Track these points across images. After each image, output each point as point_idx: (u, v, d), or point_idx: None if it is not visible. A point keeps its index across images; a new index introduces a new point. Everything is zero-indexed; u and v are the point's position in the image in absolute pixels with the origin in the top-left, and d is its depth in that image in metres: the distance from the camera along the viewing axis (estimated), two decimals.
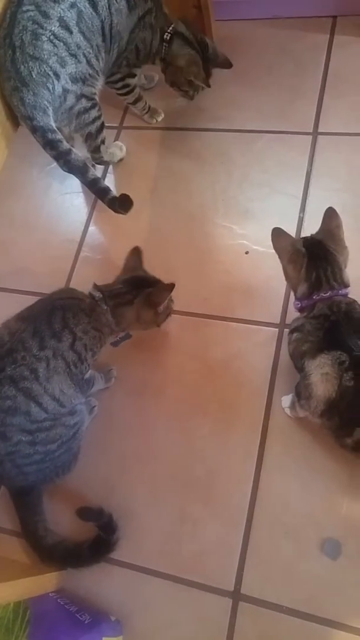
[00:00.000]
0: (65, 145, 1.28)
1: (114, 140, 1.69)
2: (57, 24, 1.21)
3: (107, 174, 1.67)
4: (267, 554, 1.11)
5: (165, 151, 1.65)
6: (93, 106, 1.38)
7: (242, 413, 1.25)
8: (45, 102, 1.23)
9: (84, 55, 1.28)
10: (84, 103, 1.34)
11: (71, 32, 1.23)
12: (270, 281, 1.35)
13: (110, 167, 1.66)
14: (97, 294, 1.14)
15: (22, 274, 1.56)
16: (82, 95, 1.32)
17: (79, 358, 1.09)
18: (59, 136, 1.27)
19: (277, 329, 1.32)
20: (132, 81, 1.53)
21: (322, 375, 0.98)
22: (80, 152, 1.43)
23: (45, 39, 1.20)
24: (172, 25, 1.40)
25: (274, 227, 1.09)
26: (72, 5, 1.23)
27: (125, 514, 1.17)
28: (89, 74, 1.32)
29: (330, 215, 1.10)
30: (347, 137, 1.52)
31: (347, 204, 1.41)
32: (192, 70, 1.43)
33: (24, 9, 1.20)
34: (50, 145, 1.26)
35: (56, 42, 1.21)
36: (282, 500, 1.14)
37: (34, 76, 1.20)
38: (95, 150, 1.51)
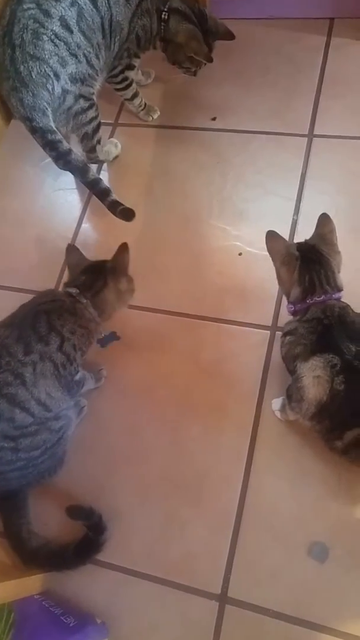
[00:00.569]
0: (65, 145, 1.26)
1: (109, 137, 1.66)
2: (58, 23, 1.18)
3: (102, 172, 1.64)
4: (254, 556, 1.09)
5: (160, 149, 1.63)
6: (90, 106, 1.36)
7: (232, 415, 1.23)
8: (45, 103, 1.21)
9: (84, 55, 1.25)
10: (82, 103, 1.32)
11: (72, 32, 1.21)
12: (263, 283, 1.33)
13: (105, 164, 1.63)
14: (74, 290, 1.13)
15: (14, 271, 1.52)
16: (81, 96, 1.30)
17: (68, 359, 1.07)
18: (59, 137, 1.24)
19: (269, 332, 1.30)
20: (130, 74, 1.50)
21: (314, 378, 0.97)
22: (75, 150, 1.41)
23: (47, 38, 1.17)
24: (168, 3, 1.34)
25: (268, 230, 1.07)
26: (73, 4, 1.20)
27: (113, 515, 1.15)
28: (89, 74, 1.30)
29: (324, 221, 1.09)
30: (343, 140, 1.51)
31: (341, 207, 1.40)
32: (192, 46, 1.37)
33: (25, 6, 1.17)
34: (50, 146, 1.24)
35: (57, 41, 1.19)
36: (270, 503, 1.13)
37: (34, 76, 1.18)
38: (91, 150, 1.49)
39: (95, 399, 1.29)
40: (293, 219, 1.43)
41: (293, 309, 1.08)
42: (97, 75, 1.34)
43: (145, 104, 1.64)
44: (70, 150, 1.25)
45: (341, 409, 0.96)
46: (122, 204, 1.26)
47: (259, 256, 1.38)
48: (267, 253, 1.08)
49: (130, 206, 1.52)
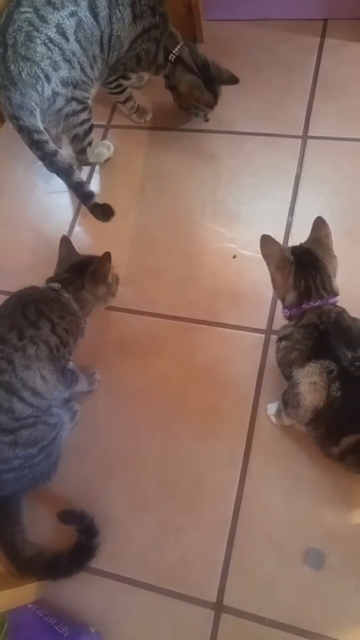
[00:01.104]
0: (52, 146, 1.24)
1: (102, 139, 1.63)
2: (54, 30, 1.18)
3: (94, 174, 1.60)
4: (250, 564, 1.07)
5: (152, 151, 1.60)
6: (83, 109, 1.34)
7: (227, 420, 1.20)
8: (33, 103, 1.20)
9: (79, 63, 1.25)
10: (74, 106, 1.31)
11: (68, 40, 1.20)
12: (257, 286, 1.30)
13: (97, 166, 1.60)
14: (56, 285, 1.16)
15: (5, 274, 1.48)
16: (73, 99, 1.29)
17: (61, 342, 1.09)
18: (46, 137, 1.23)
19: (263, 335, 1.28)
20: (125, 82, 1.49)
21: (310, 384, 0.95)
22: (66, 151, 1.38)
23: (40, 41, 1.16)
24: (179, 46, 1.38)
25: (263, 235, 1.05)
26: (73, 14, 1.19)
27: (107, 521, 1.12)
28: (82, 80, 1.28)
29: (319, 224, 1.07)
30: (337, 141, 1.48)
31: (336, 208, 1.38)
32: (194, 95, 1.42)
33: (22, 9, 1.16)
34: (36, 145, 1.22)
35: (51, 46, 1.18)
36: (266, 510, 1.10)
37: (24, 76, 1.17)
38: (81, 152, 1.46)
39: (89, 404, 1.26)
40: (287, 220, 1.40)
41: (288, 313, 1.05)
42: (92, 83, 1.34)
43: (138, 106, 1.62)
44: (56, 152, 1.23)
45: (338, 415, 0.94)
46: (101, 205, 1.27)
47: (253, 259, 1.36)
48: (261, 256, 1.06)
49: (123, 209, 1.50)
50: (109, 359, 1.31)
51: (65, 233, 1.52)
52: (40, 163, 1.30)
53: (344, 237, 1.31)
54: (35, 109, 1.21)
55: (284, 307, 1.06)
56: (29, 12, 1.16)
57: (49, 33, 1.17)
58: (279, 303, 1.29)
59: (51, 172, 1.28)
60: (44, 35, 1.17)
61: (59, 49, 1.19)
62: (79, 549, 1.09)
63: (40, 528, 1.14)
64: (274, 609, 1.02)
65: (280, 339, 1.05)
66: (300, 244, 1.07)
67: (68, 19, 1.19)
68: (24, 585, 1.08)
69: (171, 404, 1.24)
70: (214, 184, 1.50)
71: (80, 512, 1.10)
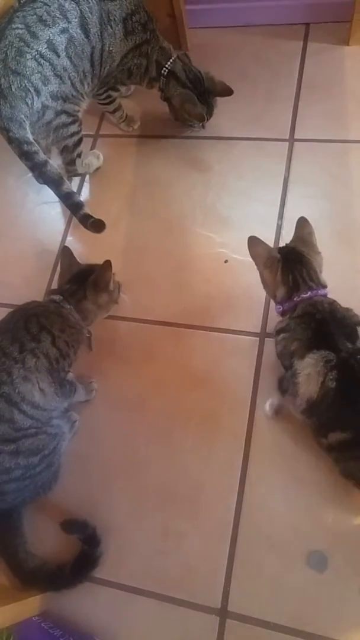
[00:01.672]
0: (41, 157, 1.24)
1: (91, 149, 1.61)
2: (45, 46, 1.19)
3: (85, 183, 1.58)
4: (253, 568, 1.05)
5: (142, 159, 1.58)
6: (73, 122, 1.34)
7: (225, 424, 1.18)
8: (22, 116, 1.20)
9: (69, 78, 1.26)
10: (63, 118, 1.31)
11: (58, 56, 1.21)
12: (250, 290, 1.28)
13: (87, 175, 1.58)
14: (57, 297, 1.15)
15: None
16: (63, 111, 1.29)
17: (61, 354, 1.08)
18: (35, 148, 1.23)
19: (257, 338, 1.26)
20: (114, 94, 1.49)
21: (309, 375, 0.94)
22: (55, 162, 1.36)
23: (30, 57, 1.18)
24: (171, 60, 1.38)
25: (250, 236, 1.06)
26: (64, 31, 1.20)
27: (109, 530, 1.10)
28: (72, 95, 1.29)
29: (302, 224, 1.09)
30: (324, 143, 1.47)
31: (324, 210, 1.37)
32: (186, 108, 1.42)
33: (14, 26, 1.18)
34: (25, 156, 1.23)
35: (42, 61, 1.19)
36: (267, 513, 1.08)
37: (14, 90, 1.17)
38: (70, 163, 1.45)
39: (87, 413, 1.24)
40: (277, 224, 1.39)
41: (281, 309, 1.06)
42: (83, 97, 1.34)
43: (127, 115, 1.60)
44: (46, 162, 1.23)
45: (328, 408, 0.93)
46: (92, 217, 1.26)
47: (244, 263, 1.33)
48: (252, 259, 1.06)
49: (114, 217, 1.48)
50: (105, 368, 1.29)
51: (58, 243, 1.51)
52: (31, 174, 1.29)
53: (334, 238, 1.30)
54: (24, 121, 1.21)
55: (277, 303, 1.07)
56: (21, 29, 1.18)
57: (40, 48, 1.18)
58: (272, 306, 1.28)
59: (41, 183, 1.28)
60: (34, 50, 1.18)
61: (50, 64, 1.21)
62: (82, 558, 1.07)
63: (43, 539, 1.12)
64: (278, 612, 1.00)
65: (277, 332, 1.05)
66: (286, 243, 1.09)
67: (59, 35, 1.20)
68: (28, 598, 1.05)
69: (169, 410, 1.22)
70: (204, 189, 1.49)
71: (83, 521, 1.09)
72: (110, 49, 1.30)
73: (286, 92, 1.57)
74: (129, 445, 1.20)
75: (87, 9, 1.23)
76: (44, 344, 1.05)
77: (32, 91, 1.20)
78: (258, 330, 1.27)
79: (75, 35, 1.22)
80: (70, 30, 1.21)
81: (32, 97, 1.20)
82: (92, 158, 1.56)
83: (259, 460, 1.13)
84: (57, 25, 1.19)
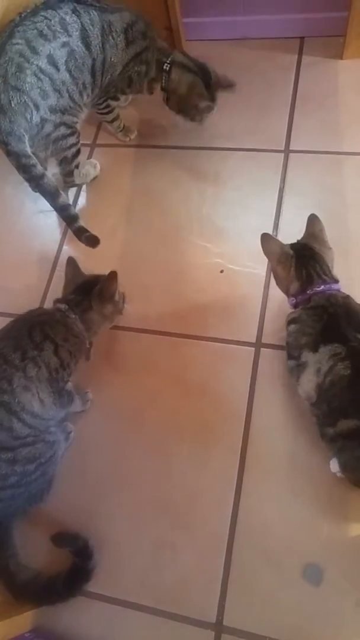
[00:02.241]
0: (39, 169, 1.24)
1: (88, 158, 1.59)
2: (45, 60, 1.18)
3: (82, 192, 1.57)
4: (248, 581, 1.02)
5: (138, 169, 1.56)
6: (72, 134, 1.33)
7: (220, 435, 1.16)
8: (22, 130, 1.20)
9: (67, 91, 1.24)
10: (62, 130, 1.30)
11: (58, 70, 1.20)
12: (246, 300, 1.27)
13: (84, 185, 1.56)
14: (63, 306, 1.13)
15: None
16: (62, 123, 1.28)
17: (62, 364, 1.06)
18: (33, 161, 1.23)
19: (253, 348, 1.24)
20: (114, 103, 1.48)
21: (317, 370, 0.94)
22: (53, 170, 1.34)
23: (30, 72, 1.16)
24: (171, 56, 1.35)
25: (263, 233, 1.07)
26: (64, 45, 1.19)
27: (103, 543, 1.07)
28: (70, 106, 1.28)
29: (313, 220, 1.10)
30: (318, 155, 1.46)
31: None
32: (196, 93, 1.35)
33: (14, 41, 1.16)
34: (23, 169, 1.22)
35: (41, 76, 1.18)
36: (262, 525, 1.06)
37: (13, 105, 1.17)
38: (68, 174, 1.44)
39: (82, 423, 1.22)
40: (272, 234, 1.37)
41: (295, 301, 1.05)
42: (81, 108, 1.33)
43: (124, 125, 1.59)
44: (43, 175, 1.23)
45: (339, 394, 0.92)
46: (87, 231, 1.25)
47: (240, 273, 1.33)
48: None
49: (111, 226, 1.47)
50: (100, 377, 1.27)
51: (54, 251, 1.48)
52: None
53: None
54: (24, 135, 1.20)
55: (290, 296, 1.07)
56: (21, 44, 1.16)
57: (40, 64, 1.17)
58: (268, 316, 1.27)
59: (36, 192, 1.26)
60: (34, 65, 1.17)
61: (49, 79, 1.20)
62: (75, 571, 1.04)
63: (35, 552, 1.09)
64: (274, 626, 0.97)
65: (289, 323, 1.04)
66: (297, 240, 1.08)
67: (59, 49, 1.19)
68: (20, 614, 1.02)
69: (164, 421, 1.20)
70: (200, 200, 1.47)
71: (74, 534, 1.05)
72: (112, 59, 1.28)
73: (281, 104, 1.56)
74: (123, 456, 1.18)
75: (88, 21, 1.22)
76: (45, 353, 1.03)
77: (32, 106, 1.19)
78: (254, 340, 1.25)
79: (75, 48, 1.21)
80: (71, 44, 1.20)
81: (32, 112, 1.20)
82: (89, 167, 1.54)
83: (254, 472, 1.11)
84: (57, 39, 1.18)
